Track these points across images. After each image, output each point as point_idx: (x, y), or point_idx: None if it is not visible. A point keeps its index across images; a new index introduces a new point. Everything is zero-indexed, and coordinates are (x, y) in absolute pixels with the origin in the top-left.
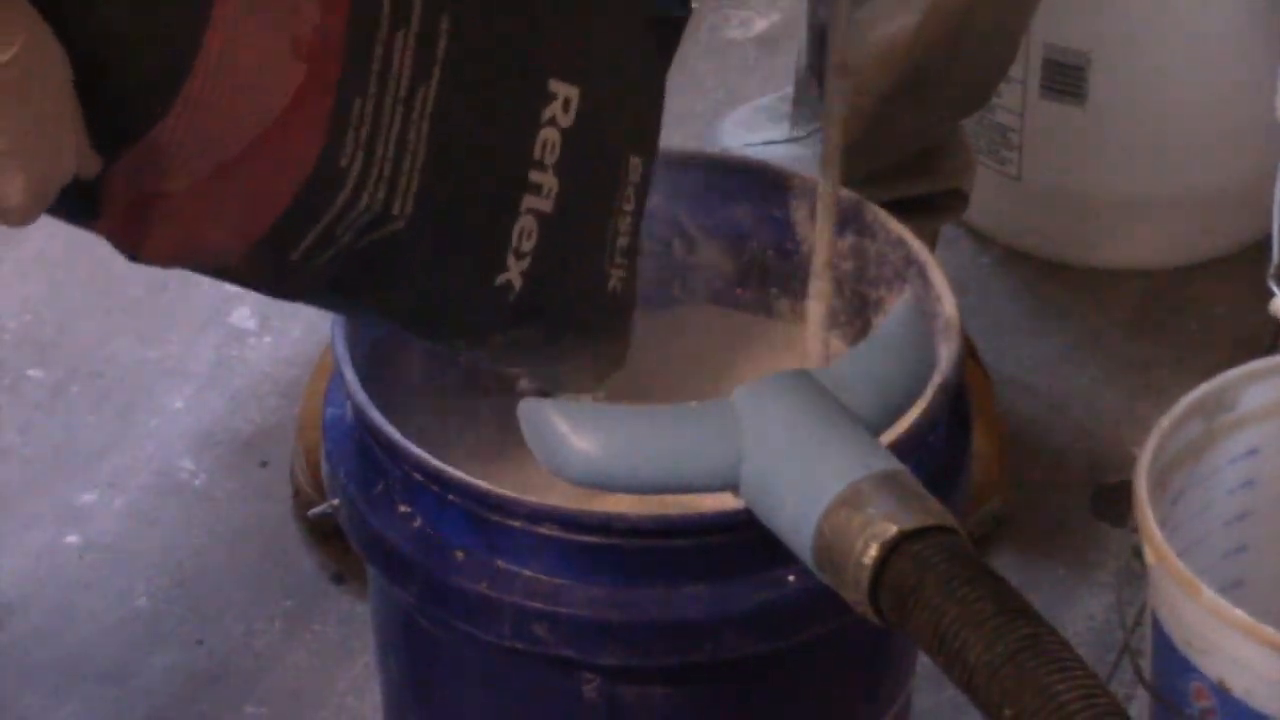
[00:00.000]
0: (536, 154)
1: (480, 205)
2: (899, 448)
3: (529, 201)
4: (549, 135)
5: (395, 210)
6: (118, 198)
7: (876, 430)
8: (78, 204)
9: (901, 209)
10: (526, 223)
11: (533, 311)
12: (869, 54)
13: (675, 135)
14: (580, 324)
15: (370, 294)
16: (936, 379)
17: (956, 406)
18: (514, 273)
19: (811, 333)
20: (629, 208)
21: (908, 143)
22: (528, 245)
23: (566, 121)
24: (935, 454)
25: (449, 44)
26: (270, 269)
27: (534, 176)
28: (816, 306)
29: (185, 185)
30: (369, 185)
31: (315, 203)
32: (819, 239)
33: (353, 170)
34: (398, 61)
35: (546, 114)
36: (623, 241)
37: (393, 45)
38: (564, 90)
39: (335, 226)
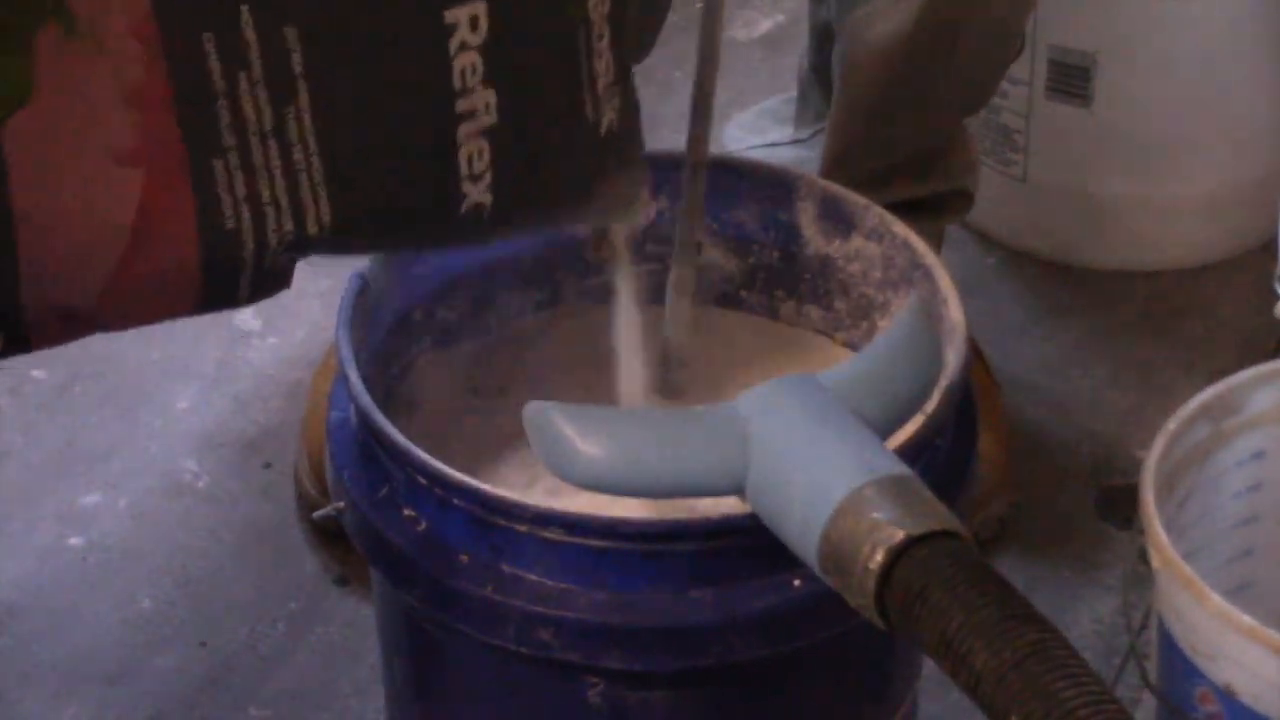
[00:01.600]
0: (457, 85)
1: (407, 169)
2: (905, 451)
3: (466, 129)
4: (465, 61)
5: (311, 230)
6: (33, 336)
7: (883, 434)
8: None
9: (906, 210)
10: (472, 147)
11: (515, 211)
12: (868, 53)
13: (681, 137)
14: (576, 185)
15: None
16: (943, 382)
17: (963, 409)
18: (476, 195)
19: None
20: (603, 43)
21: (910, 143)
22: (481, 165)
23: (479, 39)
24: (941, 457)
25: (307, 53)
26: (223, 306)
27: (462, 105)
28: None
29: (88, 307)
30: (269, 225)
31: (224, 267)
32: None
33: (244, 225)
34: (249, 103)
35: (454, 44)
36: (606, 79)
37: (237, 91)
38: (465, 13)
39: (260, 264)
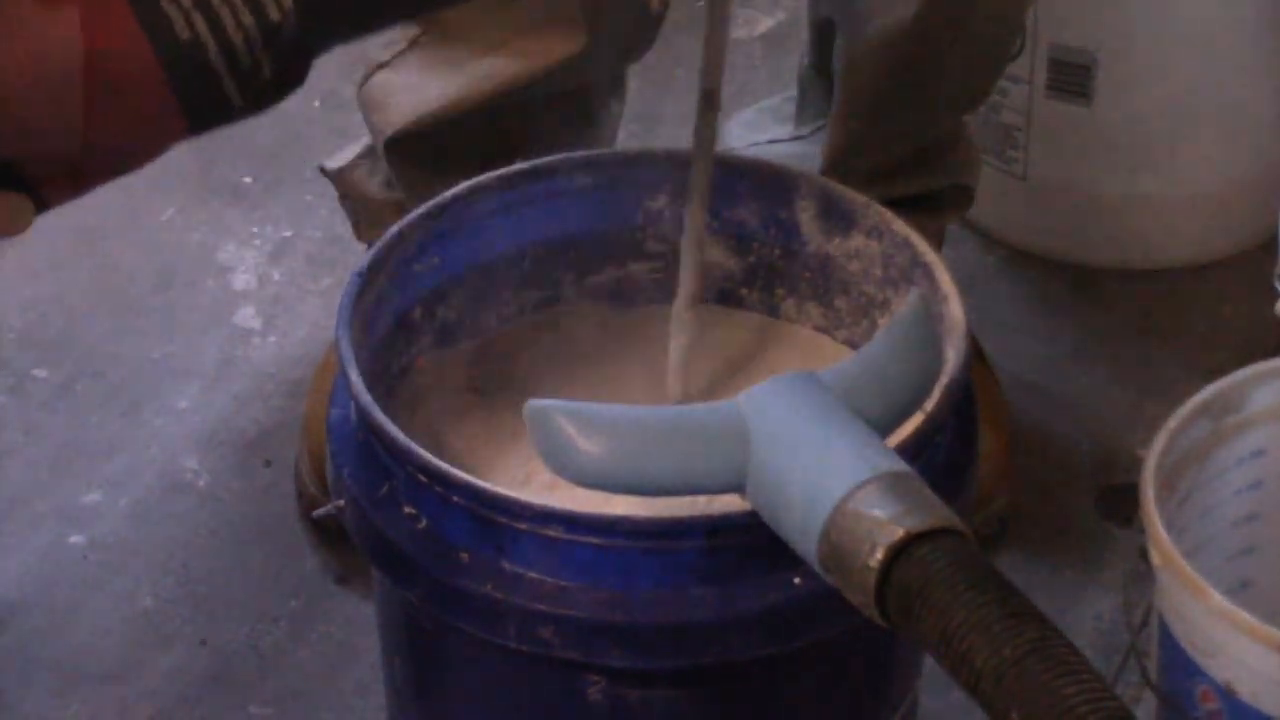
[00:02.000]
0: None
1: None
2: (905, 449)
3: None
4: None
5: (274, 18)
6: (48, 196)
7: (883, 432)
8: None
9: (907, 206)
10: None
11: None
12: (867, 48)
13: (681, 135)
14: None
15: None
16: (943, 380)
17: (963, 407)
18: None
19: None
20: None
21: (910, 139)
22: None
23: None
24: (942, 455)
25: None
26: (221, 119)
27: None
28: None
29: (79, 155)
30: (228, 25)
31: (195, 81)
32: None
33: (200, 32)
34: None
35: None
36: None
37: None
38: None
39: (237, 68)
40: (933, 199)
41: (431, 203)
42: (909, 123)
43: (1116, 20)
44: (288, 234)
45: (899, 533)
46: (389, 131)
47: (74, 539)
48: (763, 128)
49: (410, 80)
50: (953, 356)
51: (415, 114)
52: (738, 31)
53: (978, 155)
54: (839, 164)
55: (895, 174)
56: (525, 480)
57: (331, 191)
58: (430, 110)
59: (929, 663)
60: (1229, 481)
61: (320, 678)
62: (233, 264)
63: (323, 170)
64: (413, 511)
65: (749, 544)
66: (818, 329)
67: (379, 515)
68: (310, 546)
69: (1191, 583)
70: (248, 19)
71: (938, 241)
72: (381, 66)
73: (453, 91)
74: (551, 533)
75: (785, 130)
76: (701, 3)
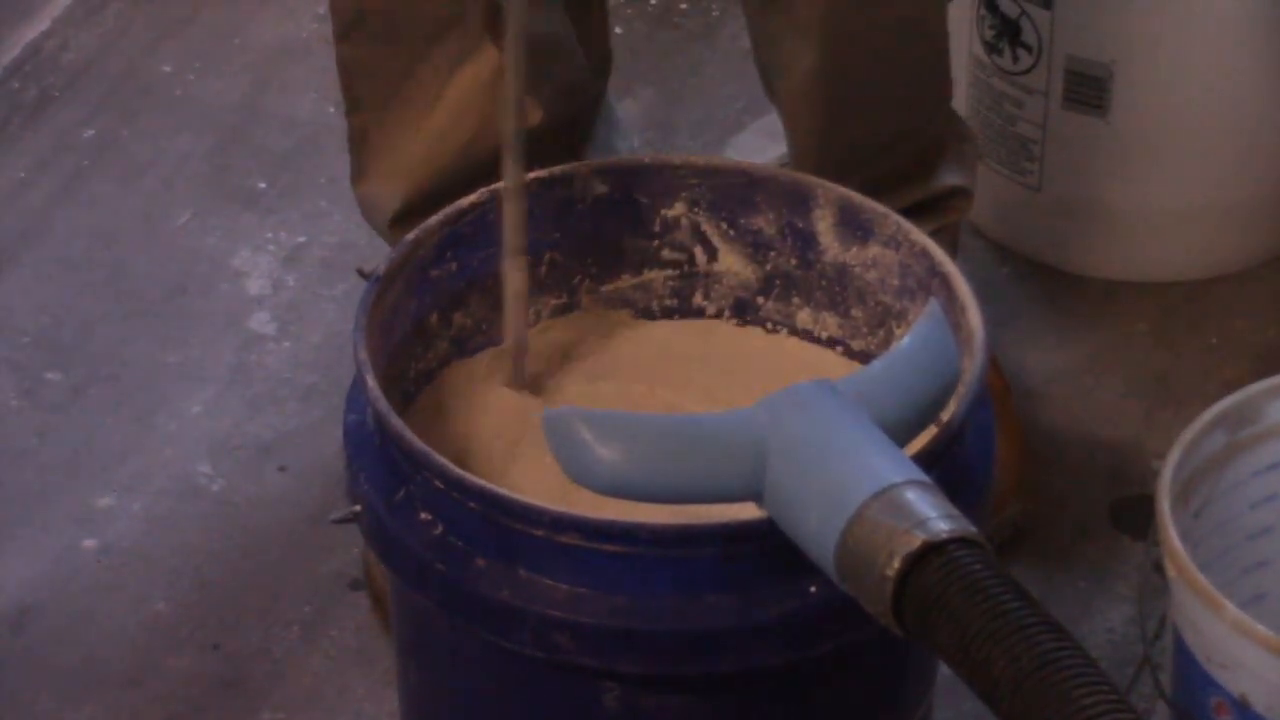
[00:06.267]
0: None
1: None
2: (923, 458)
3: None
4: None
5: None
6: None
7: (900, 440)
8: None
9: (909, 215)
10: None
11: None
12: (796, 94)
13: (695, 144)
14: None
15: None
16: (960, 389)
17: (980, 417)
18: None
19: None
20: None
21: (885, 150)
22: None
23: None
24: (958, 464)
25: None
26: None
27: None
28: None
29: None
30: None
31: None
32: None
33: None
34: None
35: None
36: None
37: None
38: None
39: None
40: (928, 205)
41: (449, 209)
42: (866, 140)
43: (1133, 32)
44: (302, 239)
45: (916, 542)
46: (389, 214)
47: (87, 543)
48: (759, 149)
49: (380, 175)
50: (970, 366)
51: (402, 192)
52: None
53: (973, 154)
54: None
55: (894, 187)
56: (564, 495)
57: (346, 198)
58: (412, 180)
59: (943, 672)
60: (1245, 494)
61: (333, 683)
62: (247, 269)
63: (360, 272)
64: (429, 517)
65: (766, 552)
66: (834, 339)
67: (395, 521)
68: (324, 551)
69: (1206, 595)
70: None
71: (952, 248)
72: (356, 181)
73: (422, 158)
74: (567, 539)
75: (778, 150)
76: (718, 12)
